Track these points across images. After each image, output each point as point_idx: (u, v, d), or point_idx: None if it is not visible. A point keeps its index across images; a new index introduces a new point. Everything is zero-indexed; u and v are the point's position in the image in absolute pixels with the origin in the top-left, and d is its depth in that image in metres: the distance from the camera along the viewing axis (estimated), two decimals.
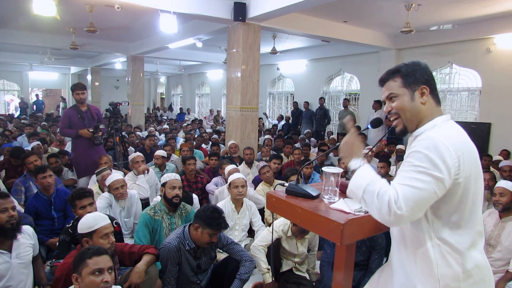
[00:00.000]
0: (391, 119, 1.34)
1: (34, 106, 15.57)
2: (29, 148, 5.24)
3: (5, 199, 2.26)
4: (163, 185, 2.98)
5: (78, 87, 4.39)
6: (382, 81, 1.35)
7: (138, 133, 8.57)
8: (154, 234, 2.92)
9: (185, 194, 3.45)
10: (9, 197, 2.31)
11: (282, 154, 6.13)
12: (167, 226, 2.94)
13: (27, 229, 2.39)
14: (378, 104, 7.89)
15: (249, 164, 5.12)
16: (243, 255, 2.60)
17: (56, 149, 6.00)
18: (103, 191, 3.51)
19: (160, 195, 3.08)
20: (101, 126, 4.50)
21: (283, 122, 10.76)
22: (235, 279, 2.53)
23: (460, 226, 1.17)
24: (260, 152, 6.06)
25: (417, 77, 1.27)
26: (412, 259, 1.24)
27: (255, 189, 4.15)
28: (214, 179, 4.54)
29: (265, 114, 11.74)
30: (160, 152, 4.89)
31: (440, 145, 1.12)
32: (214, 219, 2.34)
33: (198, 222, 2.39)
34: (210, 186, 4.45)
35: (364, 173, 1.21)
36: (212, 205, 2.51)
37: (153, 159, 4.92)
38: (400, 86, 1.29)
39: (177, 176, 3.06)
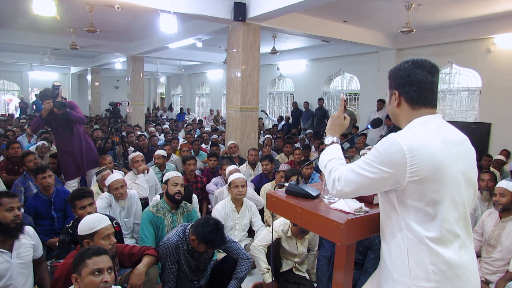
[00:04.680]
0: None
1: (34, 106, 15.55)
2: (30, 148, 5.23)
3: (12, 198, 2.27)
4: (166, 182, 3.00)
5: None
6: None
7: (138, 132, 8.54)
8: (157, 232, 2.93)
9: (186, 189, 3.44)
10: (16, 197, 2.32)
11: (282, 154, 6.14)
12: (169, 224, 2.96)
13: (29, 229, 2.39)
14: (381, 103, 7.90)
15: (253, 165, 5.09)
16: (239, 253, 2.59)
17: None
18: (103, 191, 3.51)
19: (162, 193, 3.09)
20: (56, 83, 4.14)
21: (283, 122, 10.76)
22: (231, 279, 2.53)
23: (426, 222, 1.19)
24: (261, 151, 6.05)
25: (392, 80, 1.34)
26: (388, 250, 1.29)
27: (260, 187, 4.13)
28: (214, 179, 4.53)
29: (263, 111, 11.42)
30: (160, 152, 4.89)
31: (393, 144, 1.18)
32: (210, 240, 2.32)
33: (195, 234, 2.36)
34: (210, 186, 4.45)
35: (331, 151, 1.39)
36: (213, 220, 2.39)
37: (153, 159, 4.92)
38: (388, 88, 1.39)
39: (180, 174, 3.10)
